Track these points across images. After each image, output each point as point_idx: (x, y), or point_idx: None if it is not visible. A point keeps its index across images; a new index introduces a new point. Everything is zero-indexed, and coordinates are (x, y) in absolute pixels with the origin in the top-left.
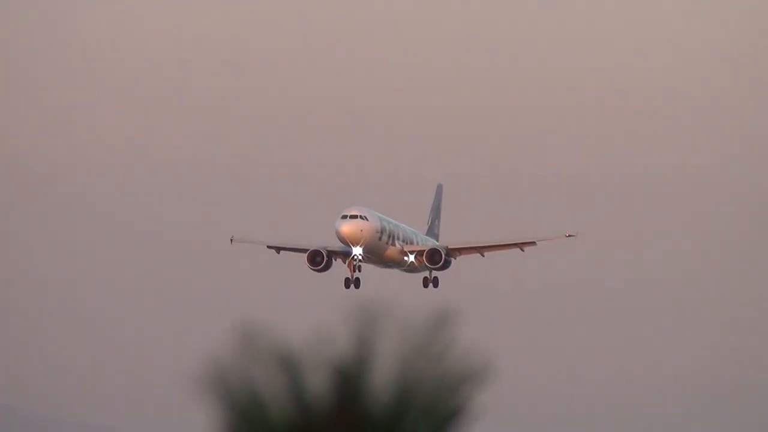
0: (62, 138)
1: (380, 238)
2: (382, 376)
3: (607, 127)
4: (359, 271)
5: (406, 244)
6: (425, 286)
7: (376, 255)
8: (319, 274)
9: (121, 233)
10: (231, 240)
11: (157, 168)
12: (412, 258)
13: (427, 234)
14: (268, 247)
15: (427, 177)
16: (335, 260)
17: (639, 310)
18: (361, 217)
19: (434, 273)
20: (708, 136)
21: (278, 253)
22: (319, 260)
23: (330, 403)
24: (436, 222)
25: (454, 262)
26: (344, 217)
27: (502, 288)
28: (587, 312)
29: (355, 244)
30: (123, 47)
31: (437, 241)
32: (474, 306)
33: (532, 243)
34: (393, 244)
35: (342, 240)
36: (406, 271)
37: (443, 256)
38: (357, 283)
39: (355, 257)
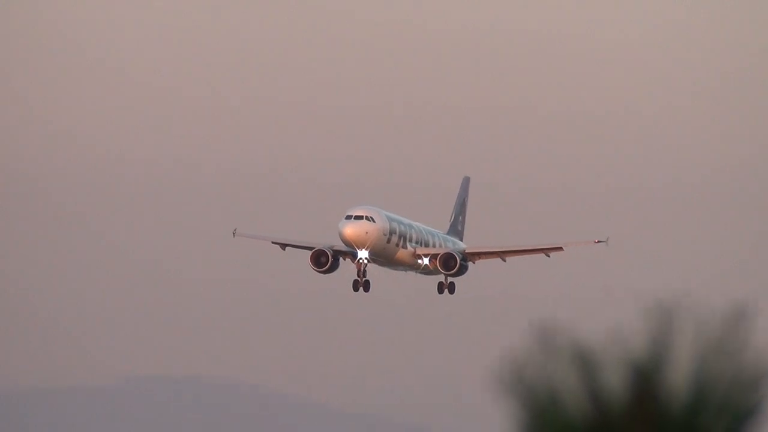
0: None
1: (389, 241)
2: (679, 373)
3: (645, 131)
4: (364, 275)
5: (420, 246)
6: (440, 291)
7: (385, 258)
8: (324, 275)
9: (135, 235)
10: (233, 233)
11: (167, 167)
12: (426, 261)
13: (449, 231)
14: (273, 243)
15: (453, 170)
16: (344, 260)
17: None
18: (366, 218)
19: (450, 278)
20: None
21: (284, 249)
22: (324, 261)
23: (627, 400)
24: (460, 218)
25: (473, 267)
26: (348, 217)
27: (523, 296)
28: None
29: (361, 247)
30: (116, 42)
31: (461, 239)
32: (491, 315)
33: (559, 249)
34: (404, 247)
35: (346, 243)
36: (423, 273)
37: (458, 261)
38: (366, 286)
39: (361, 261)
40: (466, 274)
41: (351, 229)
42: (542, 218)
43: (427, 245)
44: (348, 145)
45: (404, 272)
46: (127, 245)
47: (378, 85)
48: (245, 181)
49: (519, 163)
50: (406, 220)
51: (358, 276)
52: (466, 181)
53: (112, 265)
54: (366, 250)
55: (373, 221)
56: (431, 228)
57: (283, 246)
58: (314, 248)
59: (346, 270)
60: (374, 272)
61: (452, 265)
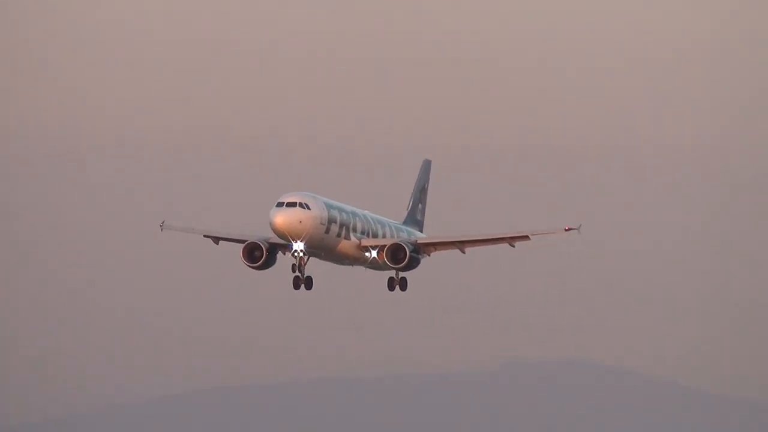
0: None
1: (328, 231)
2: None
3: (621, 104)
4: (301, 270)
5: (366, 236)
6: (390, 288)
7: (325, 251)
8: (258, 272)
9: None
10: (161, 226)
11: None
12: (374, 254)
13: (406, 221)
14: (205, 236)
15: (413, 153)
16: (283, 254)
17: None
18: (300, 204)
19: (401, 273)
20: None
21: (217, 243)
22: (258, 255)
23: None
24: (420, 206)
25: (430, 261)
26: (279, 205)
27: (484, 290)
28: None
29: (295, 238)
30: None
31: (421, 230)
32: (447, 311)
33: (525, 238)
34: (347, 238)
35: (277, 233)
36: (372, 268)
37: (407, 252)
38: (308, 283)
39: (296, 254)
40: (418, 268)
41: (282, 218)
42: (512, 206)
43: (375, 236)
44: (295, 126)
45: (351, 267)
46: (48, 243)
47: (333, 58)
48: (178, 166)
49: (485, 144)
50: (348, 208)
51: (295, 271)
52: (427, 165)
53: (28, 262)
54: (301, 241)
55: (308, 208)
56: (381, 217)
57: (216, 239)
58: (247, 241)
59: (287, 265)
60: (317, 268)
61: (401, 257)
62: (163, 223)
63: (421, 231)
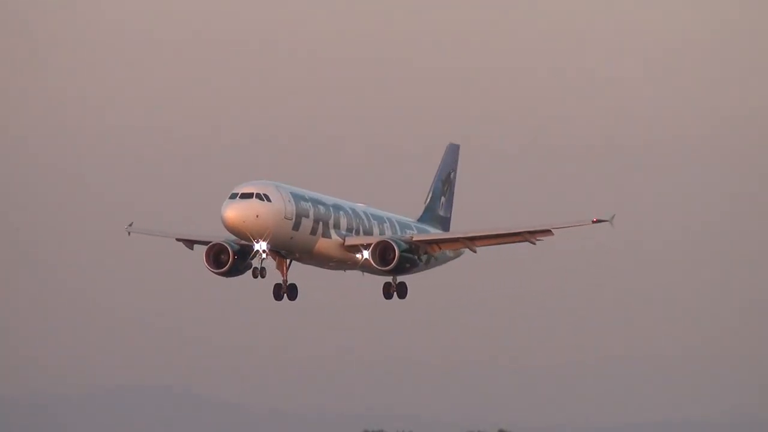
0: None
1: (297, 227)
2: None
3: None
4: (262, 275)
5: (354, 234)
6: (387, 296)
7: (300, 252)
8: (225, 278)
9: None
10: (128, 230)
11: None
12: (366, 254)
13: (422, 217)
14: (178, 240)
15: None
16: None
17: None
18: (258, 195)
19: (399, 277)
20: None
21: (191, 248)
22: (224, 259)
23: None
24: (442, 199)
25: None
26: (233, 197)
27: (499, 299)
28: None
29: (255, 236)
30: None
31: (446, 228)
32: (449, 326)
33: (547, 232)
34: (326, 236)
35: (230, 231)
36: (368, 272)
37: (397, 252)
38: (292, 291)
39: (259, 256)
40: (417, 271)
41: (234, 212)
42: (532, 200)
43: (368, 233)
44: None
45: (344, 272)
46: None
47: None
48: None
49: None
50: (330, 199)
51: (256, 275)
52: (453, 150)
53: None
54: (263, 240)
55: (268, 200)
56: (382, 211)
57: (190, 243)
58: (211, 242)
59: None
60: (304, 271)
61: (390, 258)
62: (130, 225)
63: (447, 230)
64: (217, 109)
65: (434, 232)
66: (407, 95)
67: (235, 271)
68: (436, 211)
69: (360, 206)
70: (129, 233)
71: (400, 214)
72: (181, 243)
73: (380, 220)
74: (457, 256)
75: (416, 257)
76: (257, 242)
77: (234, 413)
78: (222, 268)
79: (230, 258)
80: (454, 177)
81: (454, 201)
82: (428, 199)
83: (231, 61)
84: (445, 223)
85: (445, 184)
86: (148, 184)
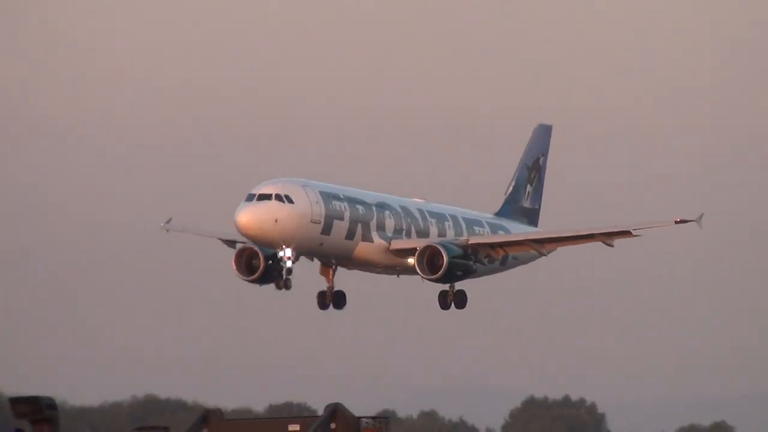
0: None
1: (329, 231)
2: None
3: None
4: (287, 285)
5: (404, 236)
6: (444, 306)
7: (337, 258)
8: (257, 286)
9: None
10: (165, 227)
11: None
12: (411, 260)
13: (502, 210)
14: (221, 240)
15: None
16: (311, 261)
17: None
18: (277, 196)
19: (456, 285)
20: None
21: (234, 248)
22: (256, 265)
23: None
24: (528, 188)
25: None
26: (250, 198)
27: (568, 307)
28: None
29: (276, 244)
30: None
31: (533, 222)
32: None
33: (626, 233)
34: (368, 239)
35: (246, 237)
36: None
37: (446, 259)
38: (339, 299)
39: (283, 262)
40: (492, 273)
41: (248, 217)
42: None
43: (424, 234)
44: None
45: (397, 277)
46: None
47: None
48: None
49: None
50: (374, 197)
51: (327, 284)
52: (544, 132)
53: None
54: (288, 247)
55: (290, 201)
56: (446, 206)
57: (233, 244)
58: (241, 246)
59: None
60: (349, 276)
61: (438, 264)
62: (168, 222)
63: (535, 224)
64: (262, 98)
65: (502, 234)
66: (486, 65)
67: (268, 277)
68: (520, 203)
69: (416, 202)
70: (167, 230)
71: (472, 209)
72: (221, 242)
73: (440, 218)
74: (542, 255)
75: (471, 263)
76: (281, 249)
77: None
78: (251, 275)
79: (261, 263)
80: (545, 162)
81: (544, 191)
82: (510, 189)
83: (269, 45)
84: (532, 216)
85: (532, 171)
86: (181, 180)
